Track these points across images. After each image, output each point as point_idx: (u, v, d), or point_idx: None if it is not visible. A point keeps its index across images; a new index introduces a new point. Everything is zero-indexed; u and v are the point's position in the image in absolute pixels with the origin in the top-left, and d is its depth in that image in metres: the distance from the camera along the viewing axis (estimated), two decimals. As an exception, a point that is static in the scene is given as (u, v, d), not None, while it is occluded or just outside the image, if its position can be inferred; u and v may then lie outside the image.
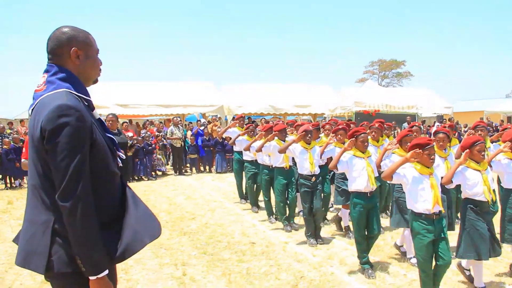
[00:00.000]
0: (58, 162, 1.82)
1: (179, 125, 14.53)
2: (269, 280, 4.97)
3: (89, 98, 2.06)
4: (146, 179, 13.37)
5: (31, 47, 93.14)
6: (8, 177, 12.44)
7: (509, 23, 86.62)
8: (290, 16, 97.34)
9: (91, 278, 1.87)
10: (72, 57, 2.04)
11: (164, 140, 14.53)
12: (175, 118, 14.91)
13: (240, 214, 8.43)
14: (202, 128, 15.10)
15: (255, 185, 8.63)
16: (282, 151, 6.38)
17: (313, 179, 6.25)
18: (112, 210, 2.03)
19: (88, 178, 1.88)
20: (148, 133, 14.27)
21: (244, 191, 9.53)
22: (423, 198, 4.10)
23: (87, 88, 2.12)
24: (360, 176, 5.17)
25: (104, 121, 2.17)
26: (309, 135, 6.29)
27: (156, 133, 14.81)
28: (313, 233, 6.36)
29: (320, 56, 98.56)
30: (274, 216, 7.81)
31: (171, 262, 5.60)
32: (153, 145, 13.97)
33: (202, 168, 15.08)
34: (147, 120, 19.47)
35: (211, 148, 14.80)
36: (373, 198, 5.26)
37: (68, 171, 1.81)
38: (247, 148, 7.64)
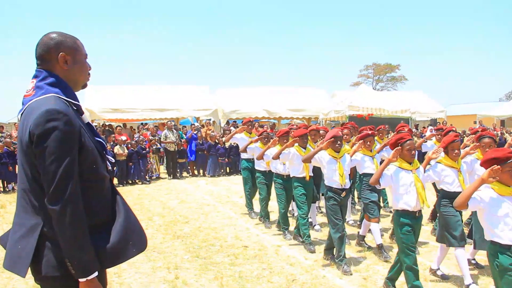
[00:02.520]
0: (47, 166, 1.84)
1: (173, 129, 14.55)
2: (261, 284, 4.98)
3: (77, 103, 2.08)
4: (140, 183, 13.36)
5: (25, 51, 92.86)
6: (1, 181, 12.40)
7: (503, 28, 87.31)
8: (285, 20, 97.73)
9: (80, 280, 1.89)
10: (60, 62, 2.06)
11: (158, 144, 14.53)
12: (169, 122, 14.93)
13: (233, 217, 8.44)
14: (196, 132, 15.11)
15: (267, 198, 7.72)
16: (307, 160, 5.52)
17: (343, 193, 5.45)
18: (102, 213, 2.06)
19: (77, 182, 1.90)
20: (142, 137, 14.27)
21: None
22: (510, 227, 3.30)
23: (76, 92, 2.14)
24: (407, 192, 4.39)
25: (93, 125, 2.19)
26: (339, 142, 5.45)
27: (150, 137, 14.81)
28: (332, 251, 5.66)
29: (315, 60, 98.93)
30: (289, 231, 6.96)
31: (164, 266, 5.61)
32: (147, 149, 13.97)
33: (196, 172, 15.09)
34: (141, 124, 19.48)
35: (205, 152, 14.81)
36: (421, 218, 4.55)
37: (56, 175, 1.83)
38: (260, 157, 6.70)
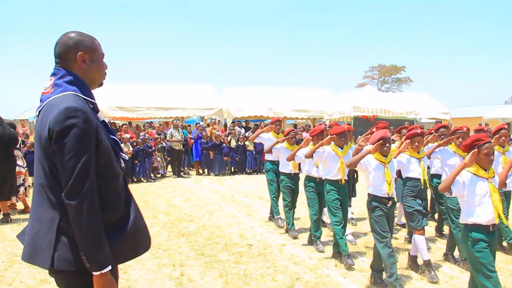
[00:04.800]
0: (65, 162, 1.90)
1: (178, 128, 14.64)
2: (266, 282, 5.03)
3: (94, 101, 2.15)
4: (145, 181, 13.44)
5: (33, 50, 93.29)
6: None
7: (509, 31, 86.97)
8: (291, 20, 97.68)
9: (94, 273, 1.95)
10: (78, 61, 2.13)
11: (163, 142, 14.61)
12: (175, 121, 15.02)
13: (237, 216, 8.50)
14: (201, 131, 15.17)
15: (291, 204, 7.08)
16: (353, 165, 4.83)
17: (390, 203, 4.81)
18: (116, 208, 2.12)
19: (94, 178, 1.96)
20: (147, 135, 14.34)
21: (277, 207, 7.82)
22: None
23: (92, 91, 2.20)
24: (481, 204, 3.76)
25: (108, 123, 2.26)
26: (387, 145, 4.78)
27: (156, 136, 14.89)
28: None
29: (320, 61, 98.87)
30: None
31: (169, 263, 5.67)
32: (153, 148, 14.04)
33: (200, 171, 15.17)
34: (147, 122, 19.56)
35: (209, 151, 14.88)
36: (496, 234, 3.93)
37: (74, 171, 1.89)
38: (291, 158, 6.22)
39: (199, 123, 17.22)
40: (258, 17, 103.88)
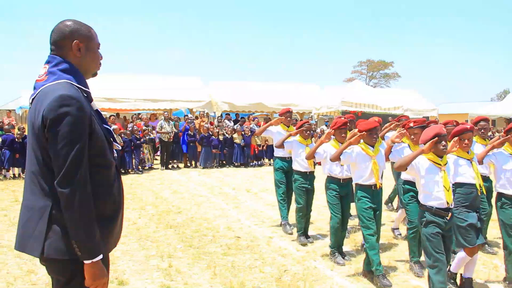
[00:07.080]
0: (58, 150, 1.89)
1: (169, 120, 14.61)
2: (253, 273, 5.07)
3: (88, 90, 2.14)
4: (133, 172, 13.39)
5: (21, 37, 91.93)
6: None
7: (496, 29, 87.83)
8: (279, 15, 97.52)
9: (86, 262, 1.96)
10: (73, 50, 2.12)
11: (151, 134, 14.55)
12: (165, 113, 14.99)
13: (225, 209, 8.52)
14: (189, 124, 15.13)
15: (306, 208, 6.27)
16: (403, 167, 3.98)
17: (449, 215, 3.99)
18: (108, 197, 2.12)
19: (86, 166, 1.96)
20: (135, 127, 14.26)
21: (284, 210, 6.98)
22: None
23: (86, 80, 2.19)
24: None
25: (101, 112, 2.25)
26: (443, 143, 3.93)
27: (144, 127, 14.82)
28: None
29: (308, 55, 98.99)
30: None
31: (157, 254, 5.68)
32: (141, 139, 13.97)
33: (188, 163, 15.16)
34: (134, 114, 19.44)
35: (196, 143, 14.88)
36: None
37: (67, 159, 1.89)
38: (311, 156, 5.43)
39: (187, 116, 17.17)
40: (246, 11, 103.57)
